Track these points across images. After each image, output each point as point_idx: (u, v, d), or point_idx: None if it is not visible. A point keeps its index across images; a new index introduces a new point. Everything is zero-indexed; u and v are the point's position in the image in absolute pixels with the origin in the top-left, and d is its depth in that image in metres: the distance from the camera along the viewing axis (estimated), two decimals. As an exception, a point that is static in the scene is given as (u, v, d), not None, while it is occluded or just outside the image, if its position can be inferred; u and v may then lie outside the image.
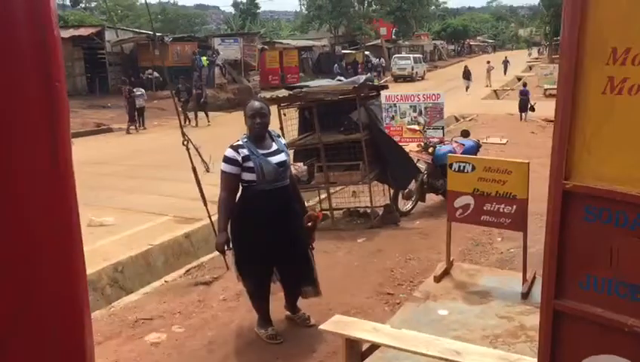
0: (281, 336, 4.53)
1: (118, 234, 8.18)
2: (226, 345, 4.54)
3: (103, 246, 7.65)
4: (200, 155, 5.92)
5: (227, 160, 4.23)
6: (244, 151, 4.20)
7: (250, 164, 4.17)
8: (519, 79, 40.51)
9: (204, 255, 7.29)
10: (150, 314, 5.15)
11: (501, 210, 4.98)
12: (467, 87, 31.04)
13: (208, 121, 21.39)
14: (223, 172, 4.24)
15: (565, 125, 2.34)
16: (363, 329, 3.51)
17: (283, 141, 4.65)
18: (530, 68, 48.53)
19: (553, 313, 2.52)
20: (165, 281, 6.32)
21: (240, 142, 4.28)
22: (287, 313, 4.85)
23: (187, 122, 19.73)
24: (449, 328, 4.44)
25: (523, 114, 19.58)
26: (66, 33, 27.45)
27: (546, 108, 21.38)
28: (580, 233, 2.40)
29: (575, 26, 2.24)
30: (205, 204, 6.06)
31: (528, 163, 4.93)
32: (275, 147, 4.34)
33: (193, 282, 5.96)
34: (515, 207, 4.91)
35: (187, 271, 6.57)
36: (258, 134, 4.29)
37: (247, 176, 4.21)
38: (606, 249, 2.33)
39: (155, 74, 25.28)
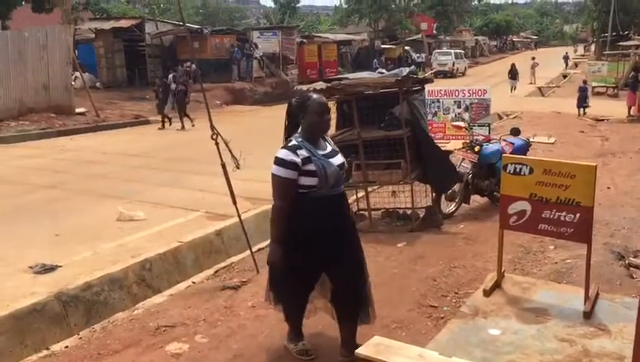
0: (312, 352, 4.10)
1: (147, 229, 7.86)
2: (252, 359, 4.14)
3: (131, 242, 7.35)
4: (230, 150, 5.53)
5: (282, 163, 3.61)
6: (303, 153, 3.62)
7: (312, 166, 3.60)
8: (565, 76, 39.37)
9: (236, 254, 6.97)
10: (173, 321, 4.79)
11: (562, 218, 4.45)
12: (513, 88, 28.84)
13: (192, 124, 17.56)
14: (277, 177, 3.64)
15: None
16: (407, 357, 3.06)
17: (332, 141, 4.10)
18: (576, 65, 47.04)
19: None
20: (193, 282, 6.00)
21: (295, 142, 3.68)
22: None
23: (166, 124, 18.14)
24: (502, 351, 3.95)
25: (581, 109, 19.72)
26: (107, 25, 27.71)
27: (594, 107, 20.50)
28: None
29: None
30: (234, 202, 5.70)
31: (595, 166, 4.38)
32: (329, 147, 3.82)
33: (221, 285, 5.60)
34: (578, 215, 4.37)
35: (216, 271, 6.23)
36: (323, 133, 3.82)
37: (307, 181, 3.63)
38: None
39: (194, 66, 25.17)
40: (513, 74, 29.13)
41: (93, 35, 27.61)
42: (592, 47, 60.96)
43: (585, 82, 21.72)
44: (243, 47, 28.64)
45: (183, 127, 17.51)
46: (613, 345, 3.97)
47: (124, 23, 27.73)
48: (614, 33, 46.10)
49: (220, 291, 5.47)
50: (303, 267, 3.78)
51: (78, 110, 19.32)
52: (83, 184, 10.54)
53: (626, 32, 46.65)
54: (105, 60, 26.68)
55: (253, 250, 6.62)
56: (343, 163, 3.83)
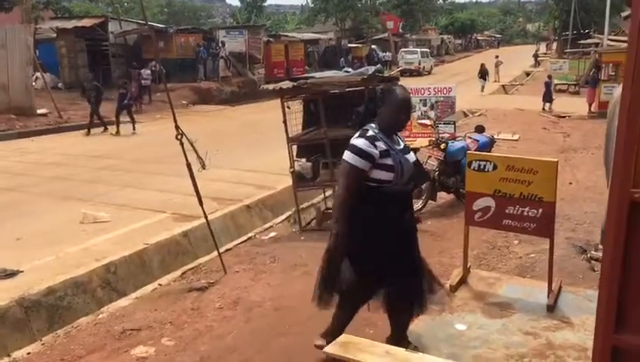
0: None
1: (112, 231, 7.74)
2: (219, 361, 4.10)
3: (95, 245, 7.22)
4: (195, 151, 5.46)
5: (359, 152, 3.41)
6: (382, 146, 3.44)
7: (389, 161, 3.43)
8: (528, 74, 40.06)
9: (204, 255, 6.90)
10: (138, 324, 4.72)
11: (525, 213, 4.52)
12: (483, 87, 28.68)
13: (134, 128, 17.14)
14: (349, 166, 3.43)
15: (635, 117, 1.87)
16: (375, 354, 3.06)
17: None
18: (539, 63, 47.93)
19: (611, 350, 2.06)
20: (159, 285, 5.91)
21: (373, 133, 3.49)
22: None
23: (97, 128, 17.15)
24: (469, 345, 3.99)
25: (547, 104, 20.56)
26: (69, 24, 27.06)
27: (554, 104, 20.92)
28: (649, 254, 1.94)
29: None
30: (201, 203, 5.63)
31: (557, 162, 4.46)
32: (402, 144, 3.68)
33: (187, 287, 5.54)
34: (540, 210, 4.45)
35: (182, 273, 6.16)
36: (399, 130, 3.67)
37: (382, 175, 3.45)
38: (684, 274, 1.88)
39: (147, 71, 24.90)
40: (483, 73, 29.18)
41: (54, 35, 26.95)
42: (554, 46, 62.19)
43: (550, 77, 22.61)
44: (209, 46, 28.37)
45: (118, 132, 16.83)
46: (576, 337, 4.05)
47: (86, 22, 27.14)
48: (575, 32, 47.11)
49: (186, 293, 5.40)
50: (368, 264, 3.58)
51: (39, 111, 18.87)
52: (45, 186, 10.31)
53: (587, 31, 47.72)
54: (67, 60, 26.09)
55: (221, 250, 6.57)
56: (417, 160, 3.76)
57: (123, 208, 8.81)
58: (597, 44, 31.63)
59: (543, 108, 20.35)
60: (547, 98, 20.64)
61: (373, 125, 3.55)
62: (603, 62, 19.93)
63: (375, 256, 3.56)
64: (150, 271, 6.93)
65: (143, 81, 22.73)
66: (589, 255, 5.75)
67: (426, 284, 3.82)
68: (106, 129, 17.27)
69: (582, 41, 39.99)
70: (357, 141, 3.46)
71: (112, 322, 4.84)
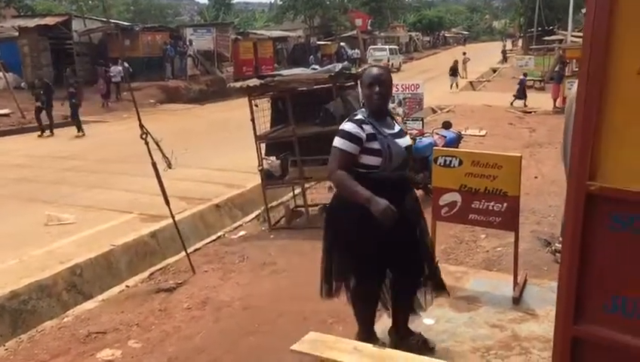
0: None
1: (77, 233, 7.61)
2: (187, 362, 4.06)
3: (60, 248, 7.10)
4: (161, 150, 5.39)
5: (346, 135, 3.32)
6: (369, 129, 3.35)
7: (376, 145, 3.33)
8: (494, 71, 40.61)
9: (172, 255, 6.81)
10: (104, 327, 4.64)
11: (491, 208, 4.57)
12: (453, 85, 28.43)
13: (79, 130, 16.53)
14: (338, 150, 3.33)
15: (590, 113, 1.90)
16: (343, 350, 3.06)
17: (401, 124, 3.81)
18: (506, 60, 48.63)
19: (571, 341, 2.09)
20: (126, 286, 5.83)
21: (361, 116, 3.41)
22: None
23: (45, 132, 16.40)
24: (437, 339, 4.01)
25: (518, 101, 20.99)
26: (31, 22, 26.46)
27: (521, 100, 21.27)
28: (605, 245, 1.97)
29: (605, -12, 1.80)
30: (167, 203, 5.56)
31: (520, 157, 4.52)
32: (397, 127, 3.55)
33: (155, 288, 5.47)
34: (505, 204, 4.50)
35: (150, 274, 6.08)
36: (378, 107, 3.45)
37: (369, 160, 3.34)
38: (638, 264, 1.92)
39: (125, 64, 24.51)
40: (454, 71, 29.01)
41: (16, 34, 26.34)
42: (520, 42, 63.15)
43: (525, 75, 23.46)
44: (176, 44, 28.08)
45: (79, 132, 16.40)
46: (541, 329, 4.11)
47: (49, 21, 26.57)
48: (540, 28, 47.92)
49: (154, 294, 5.34)
50: (370, 252, 3.43)
51: (1, 111, 18.48)
52: (8, 188, 10.08)
53: (551, 27, 48.59)
54: (30, 59, 25.53)
55: (190, 250, 6.52)
56: (411, 145, 3.60)
57: (89, 209, 8.66)
58: (561, 41, 32.22)
59: (512, 104, 20.66)
60: (520, 95, 20.98)
61: (362, 110, 3.50)
62: (567, 58, 20.31)
63: (371, 247, 3.41)
64: (117, 273, 6.84)
65: (113, 78, 22.97)
66: (553, 247, 5.85)
67: (430, 281, 3.75)
68: (51, 133, 16.55)
69: (546, 38, 40.69)
70: (345, 125, 3.40)
71: (77, 325, 4.75)
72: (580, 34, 28.47)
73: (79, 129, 16.49)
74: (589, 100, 1.87)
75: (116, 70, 23.03)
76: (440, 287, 3.83)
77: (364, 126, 3.35)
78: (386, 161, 3.34)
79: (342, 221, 3.48)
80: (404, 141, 3.52)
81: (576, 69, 18.98)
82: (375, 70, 3.52)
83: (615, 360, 2.03)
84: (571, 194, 1.99)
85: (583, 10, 32.29)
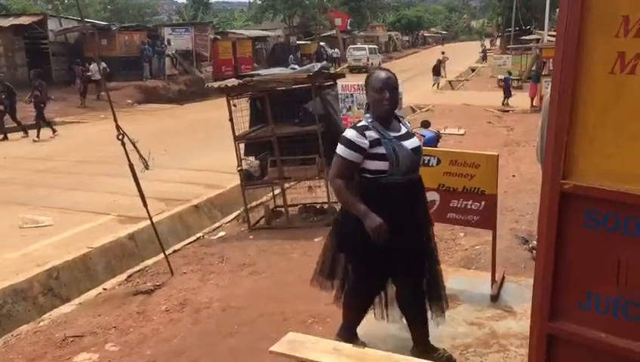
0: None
1: (54, 236, 7.50)
2: (166, 365, 4.03)
3: (36, 251, 6.99)
4: (138, 151, 5.33)
5: (348, 143, 3.25)
6: (372, 135, 3.25)
7: (382, 149, 3.23)
8: (473, 70, 40.95)
9: (151, 257, 6.75)
10: (81, 330, 4.58)
11: (469, 206, 4.60)
12: (436, 85, 28.42)
13: (54, 132, 16.06)
14: (340, 158, 3.27)
15: (564, 113, 1.92)
16: (322, 351, 3.06)
17: (408, 124, 3.69)
18: (486, 59, 49.03)
19: (546, 338, 2.11)
20: (104, 289, 5.76)
21: (364, 123, 3.32)
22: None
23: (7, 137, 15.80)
24: (416, 338, 4.03)
25: (507, 99, 21.33)
26: (5, 22, 26.04)
27: (499, 98, 21.48)
28: (579, 243, 1.99)
29: (577, -11, 1.82)
30: (145, 204, 5.50)
31: (497, 155, 4.55)
32: (404, 129, 3.44)
33: (133, 291, 5.41)
34: (483, 203, 4.53)
35: (128, 276, 6.02)
36: (387, 113, 3.35)
37: (376, 166, 3.26)
38: (612, 262, 1.94)
39: (103, 64, 24.26)
40: (437, 70, 28.96)
41: (-10, 33, 25.98)
42: (498, 42, 63.73)
43: (510, 73, 24.04)
44: (154, 44, 27.82)
45: (38, 137, 15.61)
46: (519, 326, 4.15)
47: (24, 20, 26.18)
48: (517, 28, 48.37)
49: (132, 296, 5.28)
50: (376, 257, 3.36)
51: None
52: (-18, 191, 9.91)
53: (528, 27, 49.07)
54: (4, 59, 25.13)
55: (169, 251, 6.48)
56: (419, 146, 3.46)
57: (66, 211, 8.55)
58: (538, 40, 32.56)
59: (503, 103, 21.06)
60: (508, 93, 21.41)
61: (367, 115, 3.40)
62: (543, 57, 20.55)
63: (376, 252, 3.31)
64: (95, 276, 6.76)
65: (92, 77, 22.66)
66: (530, 245, 5.91)
67: (433, 289, 3.65)
68: (26, 134, 16.06)
69: (524, 37, 41.10)
70: (347, 132, 3.32)
71: (53, 329, 4.69)
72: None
73: (52, 130, 16.09)
74: (562, 100, 1.89)
75: (95, 68, 22.64)
76: (436, 299, 3.67)
77: (366, 133, 3.26)
78: (393, 165, 3.25)
79: (349, 223, 3.38)
80: (412, 143, 3.40)
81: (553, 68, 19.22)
82: (384, 74, 3.40)
83: (589, 356, 2.05)
84: (546, 193, 2.01)
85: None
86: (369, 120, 3.34)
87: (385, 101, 3.31)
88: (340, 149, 3.29)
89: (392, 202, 3.26)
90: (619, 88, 1.81)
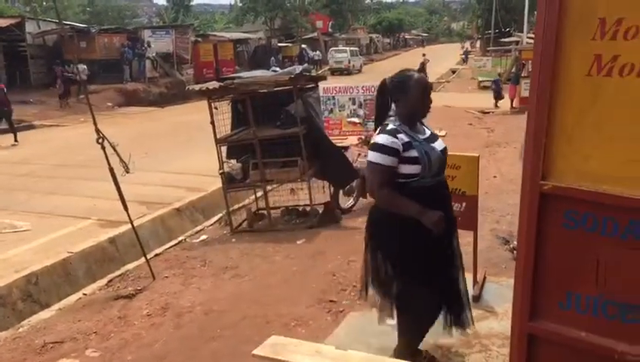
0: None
1: (33, 241, 7.39)
2: (148, 370, 3.99)
3: (15, 256, 6.89)
4: (118, 155, 5.28)
5: (383, 149, 3.09)
6: (404, 138, 3.13)
7: (414, 153, 3.11)
8: (453, 72, 41.23)
9: (133, 261, 6.70)
10: (61, 336, 4.52)
11: (450, 207, 4.62)
12: None
13: (15, 140, 15.58)
14: (377, 166, 3.12)
15: (542, 115, 1.94)
16: (304, 353, 3.05)
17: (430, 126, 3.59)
18: (464, 61, 49.41)
19: (527, 337, 2.13)
20: (84, 294, 5.71)
21: (393, 126, 3.18)
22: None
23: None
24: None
25: (498, 101, 21.42)
26: (-18, 25, 25.72)
27: (479, 100, 21.66)
28: (559, 243, 2.02)
29: (554, -8, 1.84)
30: (125, 208, 5.45)
31: (478, 157, 4.59)
32: (428, 131, 3.36)
33: (114, 295, 5.36)
34: (464, 204, 4.56)
35: (109, 281, 5.97)
36: (425, 116, 3.32)
37: (408, 169, 3.14)
38: (591, 262, 1.96)
39: (83, 66, 24.02)
40: (420, 72, 28.93)
41: (-33, 36, 25.60)
42: (478, 44, 64.31)
43: (500, 75, 24.30)
44: (134, 46, 27.63)
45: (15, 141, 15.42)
46: (500, 326, 4.18)
47: (1, 23, 25.81)
48: (497, 30, 48.89)
49: (113, 301, 5.23)
50: (415, 271, 3.24)
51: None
52: (-42, 196, 9.75)
53: (507, 29, 49.63)
54: None
55: (150, 255, 6.43)
56: (445, 148, 3.39)
57: (45, 216, 8.44)
58: (517, 42, 32.91)
59: (496, 105, 21.15)
60: (499, 95, 21.47)
61: (392, 118, 3.26)
62: (523, 59, 20.75)
63: (419, 261, 3.22)
64: (75, 281, 6.68)
65: (76, 77, 22.50)
66: (511, 245, 5.95)
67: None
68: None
69: (503, 39, 41.53)
70: (378, 138, 3.16)
71: (32, 335, 4.62)
72: (535, 36, 29.17)
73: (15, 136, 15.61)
74: (540, 102, 1.91)
75: (80, 68, 22.31)
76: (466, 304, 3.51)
77: (398, 135, 3.13)
78: (425, 168, 3.15)
79: (402, 231, 3.23)
80: (439, 145, 3.33)
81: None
82: (423, 78, 3.37)
83: (570, 355, 2.07)
84: (526, 194, 2.03)
85: (538, 13, 33.04)
86: (396, 123, 3.21)
87: (429, 104, 3.31)
88: (375, 156, 3.14)
89: (426, 203, 3.16)
90: (596, 90, 1.84)
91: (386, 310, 3.48)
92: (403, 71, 3.47)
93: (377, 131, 3.23)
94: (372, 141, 3.20)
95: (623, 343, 1.93)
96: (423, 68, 28.99)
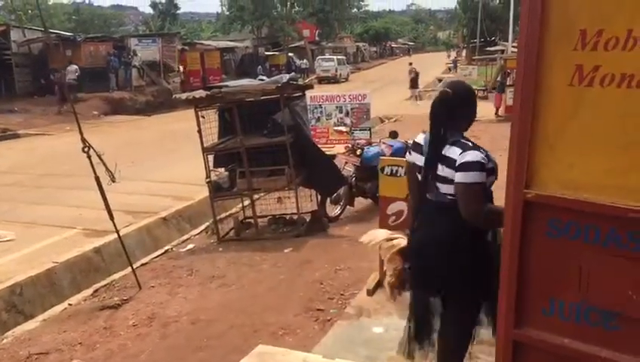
0: None
1: (17, 251, 7.32)
2: (134, 381, 3.96)
3: (-1, 266, 6.82)
4: (104, 163, 5.26)
5: (482, 166, 2.84)
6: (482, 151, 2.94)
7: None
8: (440, 80, 41.47)
9: (119, 271, 6.65)
10: (46, 347, 4.48)
11: (436, 215, 4.64)
12: (417, 97, 26.71)
13: None
14: (477, 184, 2.83)
15: (525, 123, 1.97)
16: (291, 363, 3.06)
17: None
18: (450, 70, 49.75)
19: (512, 344, 2.15)
20: (69, 304, 5.65)
21: (465, 140, 2.96)
22: None
23: None
24: (385, 347, 4.04)
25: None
26: (-34, 33, 25.52)
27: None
28: (543, 251, 2.04)
29: (536, 4, 1.87)
30: (111, 217, 5.42)
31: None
32: None
33: (100, 305, 5.32)
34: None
35: (95, 291, 5.92)
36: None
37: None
38: (574, 269, 1.99)
39: (75, 66, 23.86)
40: (415, 82, 27.71)
41: (-50, 44, 25.39)
42: (464, 53, 64.82)
43: (485, 83, 24.47)
44: (121, 54, 27.53)
45: None
46: (488, 333, 4.18)
47: (-14, 31, 25.73)
48: (482, 39, 49.31)
49: (98, 311, 5.19)
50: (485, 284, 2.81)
51: None
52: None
53: (493, 38, 50.09)
54: None
55: (136, 265, 6.38)
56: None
57: (30, 225, 8.36)
58: (502, 51, 33.21)
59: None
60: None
61: (456, 133, 3.01)
62: (508, 68, 20.92)
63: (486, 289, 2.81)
64: (60, 291, 6.62)
65: (67, 77, 22.45)
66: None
67: None
68: None
69: (489, 48, 41.89)
70: (474, 156, 2.86)
71: (16, 347, 4.57)
72: (520, 45, 29.44)
73: None
74: (524, 111, 1.94)
75: (72, 69, 23.04)
76: None
77: (480, 149, 2.94)
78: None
79: (474, 253, 2.97)
80: None
81: (517, 79, 19.55)
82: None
83: (554, 362, 2.09)
84: (509, 202, 2.05)
85: (523, 22, 33.37)
86: (459, 137, 2.99)
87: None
88: (477, 176, 2.84)
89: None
90: (577, 100, 1.87)
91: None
92: (461, 82, 3.41)
93: (466, 150, 2.89)
94: (465, 161, 2.85)
95: (606, 350, 1.95)
96: (416, 78, 28.80)
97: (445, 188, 2.90)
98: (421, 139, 3.11)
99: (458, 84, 3.26)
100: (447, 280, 3.00)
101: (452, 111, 3.01)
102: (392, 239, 3.28)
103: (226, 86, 7.54)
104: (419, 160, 3.06)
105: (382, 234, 3.32)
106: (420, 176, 3.07)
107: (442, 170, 2.90)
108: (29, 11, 49.01)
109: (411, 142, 3.26)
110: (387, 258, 3.26)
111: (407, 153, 3.22)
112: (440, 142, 2.96)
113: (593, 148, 1.88)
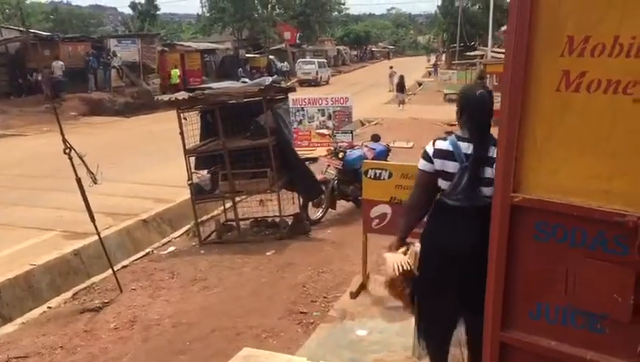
0: None
1: (-6, 253, 7.21)
2: (116, 385, 3.92)
3: (-25, 269, 6.69)
4: (85, 165, 5.19)
5: None
6: None
7: None
8: (420, 84, 41.78)
9: (98, 273, 6.57)
10: (26, 351, 4.41)
11: (420, 219, 4.67)
12: (401, 102, 26.09)
13: None
14: None
15: (513, 128, 1.99)
16: (276, 366, 3.05)
17: None
18: (430, 74, 50.09)
19: (499, 346, 2.17)
20: (48, 308, 5.57)
21: None
22: None
23: None
24: (369, 350, 4.06)
25: None
26: (-59, 31, 25.05)
27: (445, 112, 21.96)
28: (530, 254, 2.06)
29: (524, 10, 1.90)
30: (92, 219, 5.35)
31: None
32: None
33: (80, 308, 5.25)
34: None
35: (74, 294, 5.84)
36: None
37: None
38: (560, 272, 2.01)
39: (60, 62, 23.54)
40: (401, 87, 27.00)
41: None
42: (444, 57, 65.29)
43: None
44: (100, 55, 27.23)
45: None
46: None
47: (-38, 30, 25.28)
48: (462, 44, 49.71)
49: (79, 314, 5.12)
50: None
51: None
52: None
53: (472, 43, 50.55)
54: None
55: (117, 267, 6.31)
56: None
57: (7, 228, 8.23)
58: (482, 56, 33.56)
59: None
60: None
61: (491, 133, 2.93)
62: (487, 72, 21.15)
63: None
64: (39, 294, 6.52)
65: (54, 73, 22.90)
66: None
67: None
68: None
69: (468, 53, 42.27)
70: None
71: (-5, 351, 4.49)
72: (500, 50, 29.80)
73: None
74: (511, 116, 1.96)
75: (58, 65, 23.22)
76: None
77: None
78: None
79: None
80: None
81: (497, 83, 19.77)
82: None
83: (540, 364, 2.11)
84: (497, 206, 2.07)
85: (503, 28, 33.83)
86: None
87: None
88: None
89: None
90: (564, 105, 1.90)
91: None
92: (478, 85, 3.22)
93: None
94: None
95: (592, 352, 1.98)
96: (402, 82, 28.22)
97: (489, 191, 2.70)
98: (445, 145, 2.99)
99: (479, 86, 3.24)
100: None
101: (491, 112, 2.98)
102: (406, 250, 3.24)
103: (210, 88, 7.50)
104: (451, 167, 2.91)
105: (399, 256, 3.20)
106: (444, 183, 2.96)
107: (490, 173, 2.77)
108: (7, 10, 48.29)
109: (429, 150, 3.07)
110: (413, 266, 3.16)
111: (425, 161, 3.09)
112: (487, 144, 2.84)
113: (578, 153, 1.91)
